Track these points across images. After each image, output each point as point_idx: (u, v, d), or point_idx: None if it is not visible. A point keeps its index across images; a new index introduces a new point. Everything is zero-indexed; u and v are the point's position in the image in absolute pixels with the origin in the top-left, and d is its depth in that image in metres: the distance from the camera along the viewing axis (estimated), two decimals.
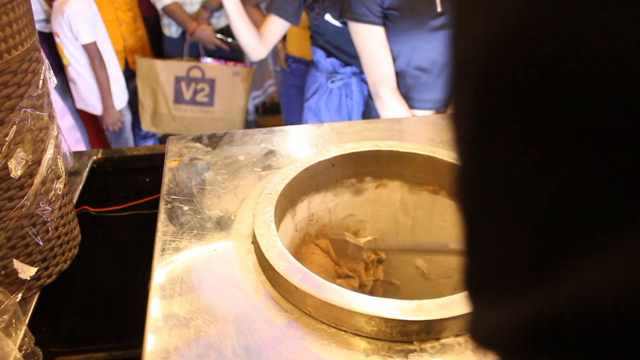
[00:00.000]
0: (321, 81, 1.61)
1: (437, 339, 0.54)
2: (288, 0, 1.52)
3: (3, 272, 0.69)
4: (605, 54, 0.16)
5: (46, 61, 0.70)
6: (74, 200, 0.89)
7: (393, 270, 0.89)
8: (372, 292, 0.82)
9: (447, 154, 0.79)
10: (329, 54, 1.58)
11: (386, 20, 1.29)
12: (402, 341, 0.54)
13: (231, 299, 0.58)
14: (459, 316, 0.53)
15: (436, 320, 0.53)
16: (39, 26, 2.16)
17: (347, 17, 1.32)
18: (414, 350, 0.53)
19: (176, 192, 0.76)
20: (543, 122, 0.18)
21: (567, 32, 0.16)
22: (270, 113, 3.07)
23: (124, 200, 1.03)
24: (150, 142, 2.70)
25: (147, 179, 1.08)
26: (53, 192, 0.72)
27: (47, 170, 0.70)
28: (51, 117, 0.70)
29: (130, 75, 2.47)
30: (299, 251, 0.81)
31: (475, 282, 0.23)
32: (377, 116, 1.41)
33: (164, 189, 0.77)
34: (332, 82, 1.58)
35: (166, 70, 2.41)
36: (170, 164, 0.83)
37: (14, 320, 0.66)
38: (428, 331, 0.53)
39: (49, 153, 0.70)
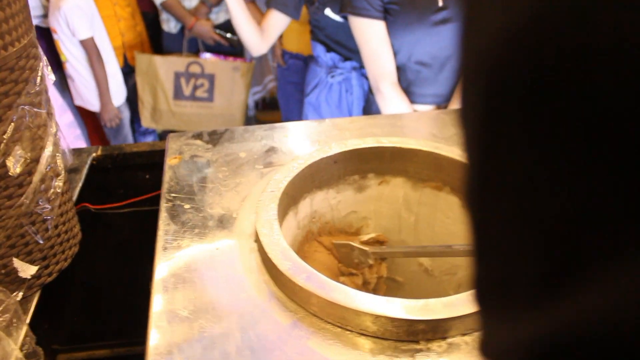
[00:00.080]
0: (321, 76, 1.60)
1: (444, 338, 0.53)
2: None
3: (3, 271, 0.68)
4: (628, 50, 0.15)
5: (44, 58, 0.69)
6: (74, 198, 0.88)
7: (396, 267, 0.88)
8: (375, 290, 0.81)
9: (450, 150, 0.79)
10: (329, 49, 1.57)
11: (387, 14, 1.28)
12: (409, 341, 0.53)
13: (235, 299, 0.58)
14: (465, 315, 0.52)
15: (443, 319, 0.52)
16: (36, 21, 2.14)
17: (347, 11, 1.31)
18: (420, 350, 0.52)
19: (177, 190, 0.75)
20: (561, 125, 0.17)
21: (587, 27, 0.15)
22: (270, 108, 3.06)
23: (124, 197, 1.03)
24: (150, 138, 2.69)
25: (147, 176, 1.07)
26: (52, 189, 0.71)
27: (46, 168, 0.69)
28: (50, 114, 0.69)
29: (129, 71, 2.45)
30: (301, 249, 0.80)
31: (484, 289, 0.22)
32: (377, 111, 1.40)
33: (165, 187, 0.76)
34: (332, 76, 1.57)
35: (165, 66, 2.39)
36: (170, 161, 0.82)
37: (14, 320, 0.65)
38: (435, 330, 0.53)
39: (48, 150, 0.69)
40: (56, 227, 0.73)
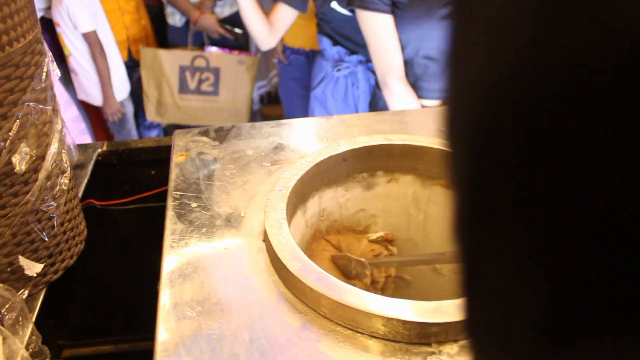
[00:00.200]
0: (327, 70, 1.59)
1: (456, 340, 0.52)
2: None
3: (9, 268, 0.68)
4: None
5: (49, 53, 0.68)
6: (80, 194, 0.88)
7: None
8: (383, 288, 0.80)
9: None
10: (335, 42, 1.56)
11: (395, 8, 1.26)
12: (420, 343, 0.52)
13: (243, 299, 0.57)
14: None
15: (455, 322, 0.51)
16: (40, 13, 2.13)
17: (355, 4, 1.29)
18: (432, 353, 0.51)
19: (184, 188, 0.74)
20: (549, 178, 0.16)
21: (576, 75, 0.14)
22: (275, 103, 3.05)
23: (130, 193, 1.02)
24: (154, 132, 2.68)
25: (153, 172, 1.06)
26: (58, 186, 0.70)
27: (52, 165, 0.68)
28: (55, 110, 0.69)
29: (133, 65, 2.44)
30: (309, 247, 0.79)
31: (479, 334, 0.21)
32: (384, 106, 1.38)
33: (171, 185, 0.75)
34: (338, 70, 1.56)
35: (170, 60, 2.38)
36: (177, 158, 0.81)
37: (20, 318, 0.65)
38: (447, 333, 0.52)
39: (54, 147, 0.68)
40: (62, 224, 0.72)
